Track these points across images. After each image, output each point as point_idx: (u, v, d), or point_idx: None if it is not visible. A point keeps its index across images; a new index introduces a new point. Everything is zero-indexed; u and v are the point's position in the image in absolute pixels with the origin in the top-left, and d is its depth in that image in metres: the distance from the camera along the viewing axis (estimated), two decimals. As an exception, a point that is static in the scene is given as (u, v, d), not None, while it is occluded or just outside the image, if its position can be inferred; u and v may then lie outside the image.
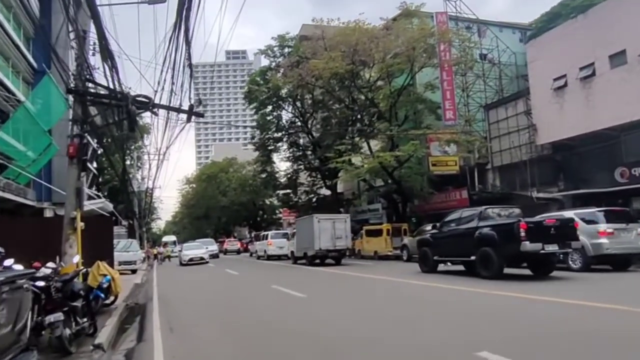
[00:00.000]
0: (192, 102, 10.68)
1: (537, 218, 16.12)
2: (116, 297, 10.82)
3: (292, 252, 28.14)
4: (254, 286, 15.52)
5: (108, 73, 10.89)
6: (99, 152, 51.12)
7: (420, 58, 27.68)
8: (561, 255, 12.85)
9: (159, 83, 10.35)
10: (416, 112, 30.70)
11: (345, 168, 29.96)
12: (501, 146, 27.68)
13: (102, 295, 9.81)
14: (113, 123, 11.31)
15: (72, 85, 10.79)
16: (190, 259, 31.13)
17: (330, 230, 23.79)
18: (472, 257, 13.49)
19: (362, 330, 7.11)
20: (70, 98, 11.32)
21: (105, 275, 9.99)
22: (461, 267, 15.35)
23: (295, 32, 38.93)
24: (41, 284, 6.85)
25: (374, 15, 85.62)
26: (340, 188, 40.68)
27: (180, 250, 36.28)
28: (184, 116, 12.57)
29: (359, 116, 31.60)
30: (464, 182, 28.83)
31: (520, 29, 36.55)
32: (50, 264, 9.78)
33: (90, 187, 46.17)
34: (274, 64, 37.86)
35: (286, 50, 37.15)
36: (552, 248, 12.23)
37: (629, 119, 19.00)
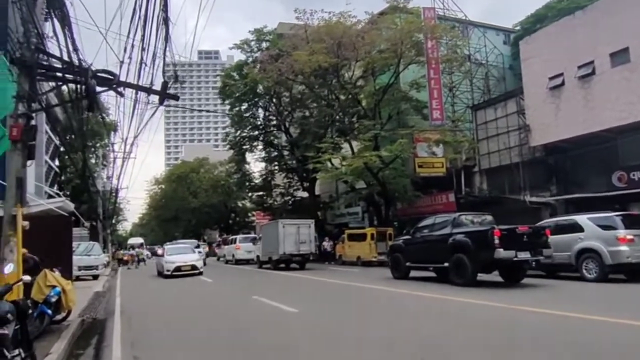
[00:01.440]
0: (167, 78, 8.81)
1: (542, 223, 15.05)
2: (69, 313, 8.87)
3: (257, 257, 28.36)
4: (232, 296, 13.73)
5: (62, 41, 9.04)
6: (61, 148, 48.34)
7: (407, 54, 26.39)
8: (533, 263, 12.68)
9: (125, 50, 8.47)
10: (400, 112, 29.43)
11: (324, 169, 28.43)
12: (489, 148, 26.63)
13: (49, 311, 7.89)
14: (68, 102, 9.39)
15: (17, 54, 8.86)
16: (178, 268, 21.82)
17: (295, 235, 24.31)
18: (445, 264, 13.48)
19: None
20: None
21: (53, 287, 8.07)
22: (432, 274, 15.32)
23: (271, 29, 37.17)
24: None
25: (358, 11, 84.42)
26: (317, 190, 39.11)
27: (154, 254, 32.99)
28: (155, 99, 10.79)
29: (340, 115, 30.08)
30: (450, 185, 27.67)
31: (505, 31, 35.91)
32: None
33: (51, 185, 43.21)
34: (250, 59, 35.99)
35: (264, 44, 35.35)
36: (524, 255, 12.32)
37: (631, 120, 18.09)
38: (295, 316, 9.13)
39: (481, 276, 13.48)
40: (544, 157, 23.51)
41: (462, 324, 7.69)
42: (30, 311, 7.94)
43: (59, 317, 8.68)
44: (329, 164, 31.34)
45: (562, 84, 21.14)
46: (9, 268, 6.86)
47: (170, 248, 25.25)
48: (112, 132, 52.16)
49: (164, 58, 8.61)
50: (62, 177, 50.58)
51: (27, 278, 8.57)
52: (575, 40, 20.39)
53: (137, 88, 9.89)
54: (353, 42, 25.79)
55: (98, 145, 55.70)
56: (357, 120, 31.61)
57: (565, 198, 21.81)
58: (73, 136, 36.89)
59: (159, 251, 44.51)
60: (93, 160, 53.08)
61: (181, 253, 23.65)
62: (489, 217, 14.45)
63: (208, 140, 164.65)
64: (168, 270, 21.68)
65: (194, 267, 22.06)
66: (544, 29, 24.20)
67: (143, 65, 8.56)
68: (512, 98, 25.23)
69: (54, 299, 7.96)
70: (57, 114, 35.75)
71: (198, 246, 34.04)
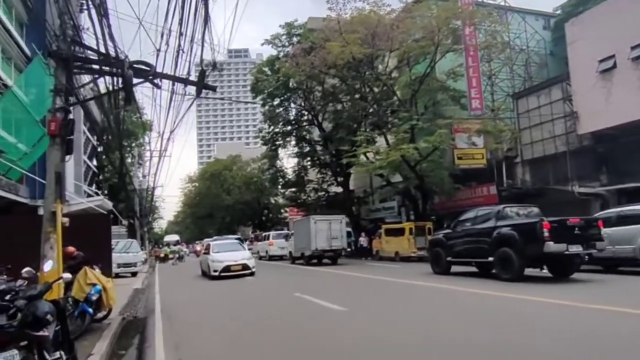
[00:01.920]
0: (205, 66, 8.43)
1: (601, 214, 14.11)
2: (109, 311, 8.65)
3: (290, 253, 28.51)
4: (273, 293, 13.31)
5: (99, 32, 8.79)
6: (99, 149, 49.33)
7: (444, 42, 25.44)
8: (586, 257, 12.21)
9: (162, 36, 8.14)
10: (435, 103, 28.53)
11: (359, 163, 27.86)
12: (532, 138, 25.46)
13: (90, 310, 7.66)
14: (105, 94, 9.16)
15: (54, 47, 8.68)
16: (227, 268, 18.47)
17: (327, 230, 24.41)
18: (490, 258, 12.95)
19: None
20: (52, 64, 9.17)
21: (94, 285, 7.84)
22: (473, 269, 14.83)
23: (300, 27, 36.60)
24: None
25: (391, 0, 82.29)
26: (351, 185, 38.54)
27: (197, 252, 30.83)
28: (191, 90, 10.48)
29: (374, 107, 29.36)
30: (491, 177, 26.63)
31: (544, 16, 34.37)
32: (27, 271, 7.73)
33: (90, 185, 44.20)
34: (281, 53, 35.62)
35: (294, 39, 34.88)
36: (576, 249, 11.67)
37: (694, 102, 16.78)
38: (346, 316, 8.60)
39: (527, 271, 12.75)
40: (593, 145, 22.24)
41: (525, 324, 7.05)
42: (71, 310, 7.77)
43: (99, 315, 8.48)
44: (363, 158, 30.75)
45: (614, 66, 19.86)
46: (48, 265, 6.63)
47: (216, 245, 21.23)
48: (147, 132, 53.15)
49: (203, 42, 8.19)
50: (100, 177, 51.75)
51: (68, 276, 8.41)
52: (627, 20, 19.08)
53: (174, 79, 9.59)
54: (387, 31, 25.04)
55: (134, 144, 56.84)
56: (392, 113, 30.89)
57: (618, 188, 20.56)
58: (110, 137, 37.70)
59: (197, 247, 44.59)
60: (129, 160, 54.10)
61: (229, 250, 19.99)
62: (535, 209, 13.77)
63: (239, 138, 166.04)
64: (215, 271, 18.38)
65: (245, 267, 18.62)
66: (590, 10, 22.84)
67: (180, 52, 8.17)
68: (557, 84, 24.01)
69: (94, 297, 7.74)
70: (95, 115, 36.39)
71: (242, 242, 30.98)
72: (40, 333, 4.45)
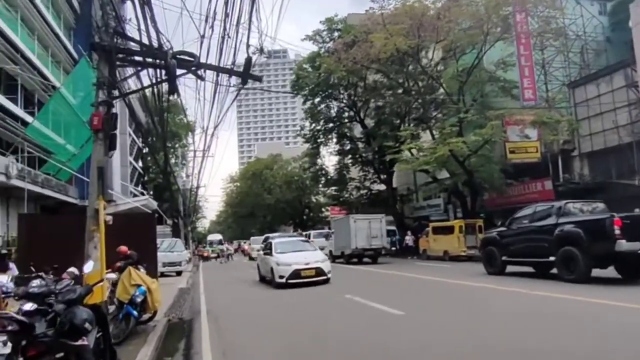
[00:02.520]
0: (250, 53, 7.91)
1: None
2: (154, 313, 8.27)
3: (330, 252, 27.69)
4: (323, 294, 12.58)
5: (141, 22, 8.44)
6: (144, 150, 50.42)
7: (493, 30, 24.13)
8: None
9: (206, 20, 7.66)
10: (483, 95, 27.23)
11: (404, 159, 26.97)
12: (591, 129, 23.83)
13: (135, 313, 7.27)
14: (149, 86, 8.81)
15: (96, 38, 8.39)
16: (296, 274, 14.08)
17: (366, 229, 24.28)
18: (551, 258, 12.06)
19: None
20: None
21: (138, 286, 7.46)
22: (529, 269, 13.81)
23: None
24: (29, 307, 4.34)
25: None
26: (394, 183, 37.55)
27: (263, 252, 27.05)
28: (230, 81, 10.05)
29: (419, 102, 28.32)
30: (544, 171, 25.14)
31: (600, 0, 32.27)
32: (70, 272, 7.43)
33: (135, 185, 45.18)
34: (322, 49, 35.07)
35: (335, 34, 34.26)
36: None
37: None
38: (406, 321, 7.89)
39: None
40: (662, 135, 20.54)
41: (609, 332, 6.14)
42: (115, 312, 7.42)
43: (144, 317, 8.12)
44: (408, 154, 29.78)
45: (686, 48, 18.20)
46: (89, 266, 6.24)
47: (280, 243, 16.44)
48: (190, 133, 53.95)
49: (250, 22, 7.64)
50: (146, 177, 52.90)
51: (112, 276, 8.09)
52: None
53: (219, 69, 9.16)
54: (433, 22, 23.99)
55: (177, 145, 57.87)
56: (436, 108, 29.83)
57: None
58: (154, 138, 38.35)
59: (245, 246, 44.43)
60: (173, 160, 55.05)
61: (297, 250, 15.51)
62: (601, 205, 12.79)
63: (279, 138, 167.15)
64: (281, 277, 13.97)
65: (319, 272, 14.11)
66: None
67: (226, 37, 7.68)
68: (619, 71, 22.34)
69: (139, 299, 7.36)
70: (140, 117, 36.98)
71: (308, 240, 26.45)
72: (79, 342, 4.00)
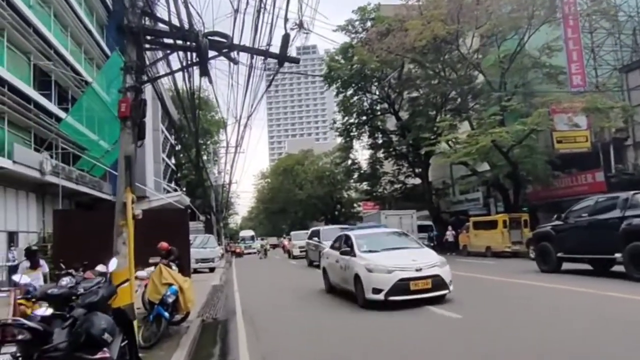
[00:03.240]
0: (288, 29, 7.17)
1: None
2: (187, 315, 7.68)
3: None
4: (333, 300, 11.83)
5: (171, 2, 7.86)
6: (177, 147, 50.72)
7: (538, 13, 22.71)
8: None
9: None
10: (525, 83, 25.80)
11: (442, 151, 25.91)
12: (647, 116, 22.13)
13: (166, 314, 6.68)
14: (179, 70, 8.20)
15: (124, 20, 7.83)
16: (402, 287, 8.65)
17: (397, 225, 23.56)
18: (616, 255, 11.00)
19: None
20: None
21: (170, 285, 6.86)
22: (587, 266, 12.88)
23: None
24: (42, 311, 3.77)
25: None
26: (429, 176, 36.36)
27: (285, 247, 30.78)
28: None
29: (457, 91, 27.11)
30: (595, 162, 23.57)
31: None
32: (95, 271, 6.90)
33: (169, 182, 45.43)
34: (355, 40, 34.11)
35: (368, 23, 33.23)
36: None
37: None
38: (468, 325, 7.01)
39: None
40: None
41: None
42: (146, 313, 6.86)
43: (177, 317, 7.54)
44: (445, 146, 28.63)
45: None
46: (113, 264, 5.63)
47: (365, 237, 11.09)
48: (222, 129, 54.07)
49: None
50: (179, 174, 53.27)
51: (143, 274, 7.54)
52: None
53: (253, 51, 8.46)
54: (473, 6, 22.76)
55: (209, 142, 58.13)
56: (475, 97, 28.57)
57: None
58: (186, 135, 38.34)
59: (285, 242, 43.30)
60: (205, 157, 55.27)
61: (395, 247, 10.29)
62: None
63: (309, 134, 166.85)
64: (378, 291, 8.75)
65: (437, 283, 8.87)
66: None
67: (262, 9, 6.97)
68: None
69: (171, 299, 6.76)
70: (173, 114, 36.96)
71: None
72: (99, 356, 3.35)
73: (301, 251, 26.91)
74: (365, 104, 36.74)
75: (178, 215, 20.16)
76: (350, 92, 36.34)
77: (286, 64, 8.57)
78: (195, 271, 20.51)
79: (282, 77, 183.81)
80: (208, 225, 41.91)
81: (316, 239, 21.49)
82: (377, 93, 35.67)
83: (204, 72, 7.56)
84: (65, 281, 7.81)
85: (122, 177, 7.27)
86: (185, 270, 17.80)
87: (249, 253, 49.38)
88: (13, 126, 18.17)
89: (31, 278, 9.41)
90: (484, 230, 23.03)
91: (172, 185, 46.58)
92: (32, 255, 9.75)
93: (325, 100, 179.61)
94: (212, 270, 21.98)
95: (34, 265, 9.74)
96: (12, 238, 18.40)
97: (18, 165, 16.90)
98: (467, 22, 23.70)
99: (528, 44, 24.52)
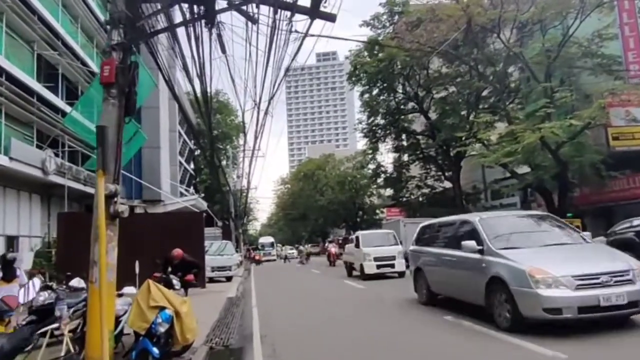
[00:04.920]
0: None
1: None
2: (187, 347, 5.75)
3: None
4: (412, 314, 9.63)
5: None
6: (196, 152, 49.39)
7: (589, -4, 20.40)
8: None
9: None
10: (573, 75, 23.38)
11: (479, 152, 23.71)
12: None
13: (155, 350, 4.76)
14: (181, 24, 6.37)
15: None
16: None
17: None
18: None
19: None
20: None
21: (161, 309, 4.94)
22: None
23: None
24: None
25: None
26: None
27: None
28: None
29: (497, 85, 24.81)
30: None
31: None
32: (75, 284, 5.13)
33: (187, 187, 44.02)
34: (381, 36, 32.13)
35: (396, 17, 31.21)
36: None
37: None
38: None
39: None
40: None
41: None
42: (127, 349, 4.96)
43: (175, 347, 5.63)
44: (478, 147, 26.49)
45: None
46: (77, 282, 3.78)
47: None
48: (241, 134, 52.67)
49: None
50: (197, 179, 51.94)
51: (130, 290, 5.68)
52: None
53: (276, 4, 6.57)
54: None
55: (228, 147, 56.84)
56: (510, 94, 26.34)
57: None
58: (205, 140, 36.85)
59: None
60: (224, 162, 53.91)
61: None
62: None
63: (329, 141, 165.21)
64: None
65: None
66: None
67: None
68: None
69: (162, 329, 4.84)
70: (191, 118, 35.50)
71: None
72: None
73: (383, 266, 18.39)
74: (393, 101, 34.64)
75: (192, 218, 18.46)
76: (375, 91, 34.38)
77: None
78: (211, 280, 18.77)
79: (301, 83, 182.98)
80: (226, 231, 40.21)
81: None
82: (405, 91, 33.59)
83: (211, 22, 5.69)
84: (43, 297, 5.89)
85: (111, 167, 5.46)
86: (199, 280, 16.01)
87: (268, 260, 47.62)
88: (12, 120, 16.63)
89: (1, 292, 7.62)
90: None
91: (191, 190, 45.17)
92: (6, 266, 8.01)
93: (346, 107, 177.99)
94: (229, 279, 20.17)
95: (9, 277, 8.02)
96: (11, 243, 16.85)
97: (16, 163, 15.34)
98: (509, 9, 21.49)
99: (575, 33, 22.17)
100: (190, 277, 8.12)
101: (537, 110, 20.66)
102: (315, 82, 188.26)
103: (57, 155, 18.89)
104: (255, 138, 13.73)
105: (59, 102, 19.53)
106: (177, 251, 8.39)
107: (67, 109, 19.71)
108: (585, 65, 22.17)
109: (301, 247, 41.75)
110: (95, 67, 22.88)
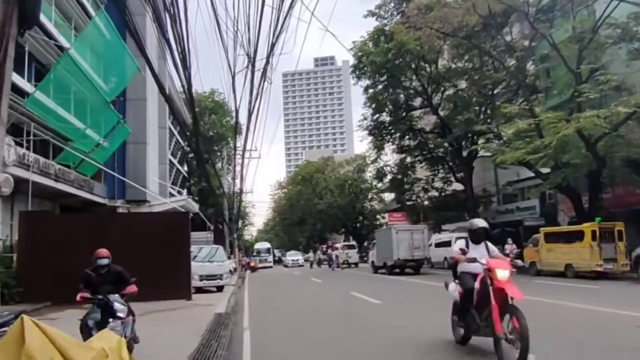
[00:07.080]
0: None
1: None
2: None
3: (372, 262, 29.07)
4: (423, 329, 7.17)
5: None
6: (190, 155, 46.86)
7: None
8: None
9: None
10: (603, 64, 21.08)
11: (501, 150, 21.42)
12: None
13: None
14: None
15: None
16: None
17: (408, 240, 24.46)
18: None
19: None
20: None
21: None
22: None
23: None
24: None
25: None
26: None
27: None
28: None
29: (519, 77, 22.52)
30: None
31: None
32: None
33: (181, 188, 41.47)
34: (388, 26, 29.83)
35: (404, 5, 28.89)
36: None
37: None
38: None
39: None
40: None
41: None
42: None
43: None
44: (496, 144, 24.26)
45: None
46: None
47: None
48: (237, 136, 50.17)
49: None
50: (191, 182, 49.43)
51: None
52: None
53: None
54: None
55: (223, 148, 54.37)
56: (528, 88, 24.14)
57: None
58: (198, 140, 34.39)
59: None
60: (219, 165, 51.49)
61: None
62: None
63: (327, 146, 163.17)
64: None
65: None
66: None
67: None
68: None
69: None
70: (185, 116, 33.01)
71: None
72: None
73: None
74: (402, 95, 32.20)
75: (174, 219, 15.92)
76: (380, 87, 32.03)
77: None
78: (200, 290, 16.24)
79: (299, 88, 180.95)
80: (220, 236, 37.57)
81: None
82: (413, 85, 31.26)
83: None
84: None
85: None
86: (182, 290, 13.23)
87: (264, 267, 44.90)
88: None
89: None
90: (562, 244, 18.24)
91: (184, 192, 42.58)
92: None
93: (344, 112, 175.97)
94: (220, 289, 17.55)
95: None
96: (-39, 246, 14.26)
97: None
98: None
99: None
100: (132, 288, 5.36)
101: (570, 99, 18.31)
102: (312, 87, 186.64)
103: (20, 145, 16.32)
104: (250, 114, 11.11)
105: (26, 85, 16.96)
106: (103, 251, 5.54)
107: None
108: (619, 51, 19.86)
109: (335, 253, 38.39)
110: (77, 55, 20.40)
